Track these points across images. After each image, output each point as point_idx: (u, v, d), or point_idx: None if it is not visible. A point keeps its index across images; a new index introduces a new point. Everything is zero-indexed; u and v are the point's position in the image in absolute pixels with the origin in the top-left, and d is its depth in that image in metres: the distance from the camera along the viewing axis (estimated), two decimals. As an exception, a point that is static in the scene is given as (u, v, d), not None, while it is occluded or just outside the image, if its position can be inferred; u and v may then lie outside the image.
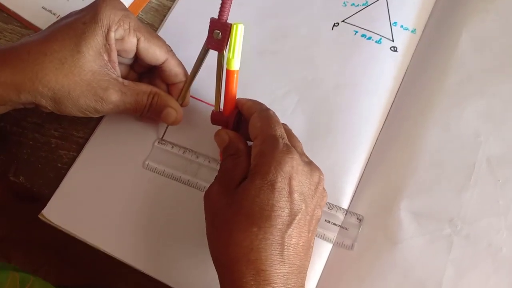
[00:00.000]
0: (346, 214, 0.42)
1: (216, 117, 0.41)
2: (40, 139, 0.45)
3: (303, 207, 0.34)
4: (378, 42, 0.47)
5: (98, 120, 0.45)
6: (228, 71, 0.37)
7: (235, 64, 0.36)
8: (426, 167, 0.42)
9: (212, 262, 0.36)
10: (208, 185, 0.42)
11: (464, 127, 0.43)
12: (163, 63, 0.41)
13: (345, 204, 0.42)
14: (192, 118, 0.45)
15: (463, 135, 0.42)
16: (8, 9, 0.48)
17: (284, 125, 0.39)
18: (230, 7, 0.34)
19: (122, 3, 0.39)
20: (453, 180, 0.41)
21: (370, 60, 0.46)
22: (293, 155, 0.34)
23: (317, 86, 0.46)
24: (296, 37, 0.48)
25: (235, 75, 0.37)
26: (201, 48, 0.48)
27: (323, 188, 0.37)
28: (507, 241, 0.39)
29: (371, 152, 0.44)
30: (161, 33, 0.49)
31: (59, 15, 0.48)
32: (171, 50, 0.41)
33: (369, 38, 0.47)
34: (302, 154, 0.37)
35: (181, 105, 0.43)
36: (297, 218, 0.33)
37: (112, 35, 0.37)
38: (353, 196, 0.43)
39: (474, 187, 0.41)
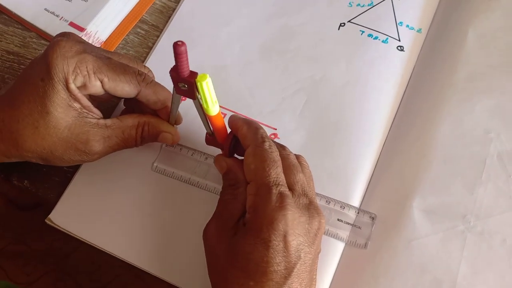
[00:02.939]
0: (358, 213, 0.41)
1: (211, 141, 0.40)
2: (44, 142, 0.44)
3: (302, 256, 0.33)
4: (385, 41, 0.47)
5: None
6: (209, 116, 0.35)
7: (213, 111, 0.34)
8: (438, 163, 0.42)
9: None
10: (217, 187, 0.42)
11: (474, 123, 0.43)
12: (137, 95, 0.38)
13: (356, 203, 0.42)
14: (199, 119, 0.44)
15: (473, 131, 0.43)
16: (9, 11, 0.48)
17: (282, 149, 0.37)
18: (187, 62, 0.31)
19: (75, 43, 0.35)
20: (465, 176, 0.41)
21: (377, 59, 0.47)
22: (286, 211, 0.32)
23: (325, 86, 0.46)
24: (302, 37, 0.48)
25: (218, 116, 0.36)
26: (207, 48, 0.48)
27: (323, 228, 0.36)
28: (521, 236, 0.39)
29: (382, 150, 0.44)
30: (165, 34, 0.49)
31: (62, 17, 0.47)
32: (144, 80, 0.37)
33: (376, 37, 0.47)
34: (301, 195, 0.34)
35: (175, 124, 0.41)
36: (296, 269, 0.32)
37: (72, 86, 0.34)
38: (365, 194, 0.42)
39: (486, 183, 0.41)
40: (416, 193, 0.41)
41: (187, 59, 0.31)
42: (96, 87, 0.35)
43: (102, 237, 0.40)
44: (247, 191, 0.35)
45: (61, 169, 0.43)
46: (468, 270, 0.39)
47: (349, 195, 0.42)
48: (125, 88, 0.36)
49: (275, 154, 0.35)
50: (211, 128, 0.38)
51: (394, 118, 0.45)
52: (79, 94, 0.35)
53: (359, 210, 0.41)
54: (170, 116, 0.40)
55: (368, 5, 0.49)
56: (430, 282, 0.39)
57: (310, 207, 0.34)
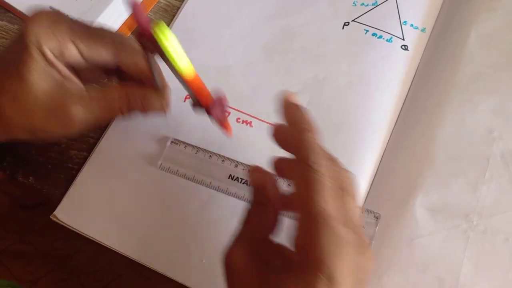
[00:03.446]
0: (362, 212, 0.41)
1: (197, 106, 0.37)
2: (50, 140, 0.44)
3: None
4: (389, 41, 0.47)
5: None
6: (182, 75, 0.33)
7: (187, 72, 0.32)
8: (441, 162, 0.42)
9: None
10: (221, 185, 0.42)
11: (477, 123, 0.43)
12: (118, 63, 0.36)
13: (360, 202, 0.42)
14: (204, 117, 0.45)
15: (476, 131, 0.43)
16: (15, 9, 0.48)
17: (337, 166, 0.30)
18: (144, 15, 0.29)
19: (51, 12, 0.34)
20: (468, 176, 0.41)
21: (381, 58, 0.47)
22: (338, 255, 0.26)
23: (328, 85, 0.46)
24: (305, 37, 0.48)
25: (196, 79, 0.34)
26: (210, 49, 0.48)
27: None
28: (524, 235, 0.40)
29: (385, 149, 0.44)
30: (170, 33, 0.49)
31: (67, 15, 0.47)
32: (123, 46, 0.36)
33: (380, 37, 0.47)
34: (352, 232, 0.28)
35: (162, 90, 0.39)
36: None
37: (47, 52, 0.33)
38: (368, 194, 0.43)
39: (489, 182, 0.41)
40: (419, 191, 0.41)
41: (143, 13, 0.29)
42: (72, 53, 0.34)
43: (106, 234, 0.41)
44: (297, 220, 0.29)
45: (66, 166, 0.43)
46: (471, 269, 0.39)
47: (352, 193, 0.42)
48: (102, 54, 0.35)
49: (327, 177, 0.29)
50: (192, 93, 0.36)
51: (397, 118, 0.45)
52: (56, 61, 0.34)
53: (363, 210, 0.42)
54: (154, 82, 0.37)
55: (372, 4, 0.49)
56: (433, 281, 0.39)
57: (360, 245, 0.28)
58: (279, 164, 0.34)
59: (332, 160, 0.31)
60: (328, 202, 0.28)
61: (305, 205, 0.28)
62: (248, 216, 0.33)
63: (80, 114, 0.35)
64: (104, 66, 0.37)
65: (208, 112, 0.38)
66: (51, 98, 0.34)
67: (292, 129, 0.31)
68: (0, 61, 0.35)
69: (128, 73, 0.38)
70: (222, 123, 0.39)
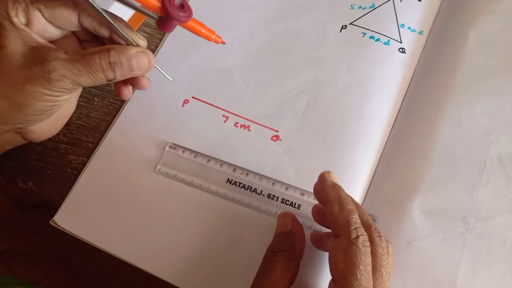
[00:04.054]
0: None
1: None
2: (49, 145, 0.44)
3: None
4: (387, 43, 0.47)
5: (108, 125, 0.45)
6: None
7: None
8: (439, 165, 0.42)
9: (225, 269, 0.35)
10: (219, 189, 0.42)
11: (474, 125, 0.43)
12: (80, 21, 0.35)
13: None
14: (202, 122, 0.45)
15: (473, 133, 0.43)
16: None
17: (378, 239, 0.34)
18: None
19: None
20: (465, 178, 0.42)
21: (379, 61, 0.47)
22: None
23: (327, 87, 0.46)
24: (304, 39, 0.48)
25: None
26: (210, 52, 0.49)
27: None
28: (520, 237, 0.40)
29: (383, 151, 0.44)
30: (170, 37, 0.49)
31: None
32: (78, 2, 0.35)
33: (378, 39, 0.48)
34: None
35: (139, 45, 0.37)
36: None
37: (15, 20, 0.33)
38: (366, 195, 0.43)
39: (486, 185, 0.41)
40: (417, 194, 0.41)
41: None
42: (38, 19, 0.34)
43: (106, 239, 0.41)
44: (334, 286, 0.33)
45: (66, 171, 0.43)
46: (468, 271, 0.39)
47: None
48: (63, 13, 0.34)
49: (368, 256, 0.32)
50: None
51: (395, 120, 0.45)
52: (26, 29, 0.34)
53: (360, 212, 0.42)
54: (125, 38, 0.36)
55: (370, 7, 0.49)
56: (430, 283, 0.39)
57: None
58: (319, 212, 0.38)
59: (377, 230, 0.34)
60: (368, 281, 0.31)
61: (346, 281, 0.31)
62: (267, 261, 0.35)
63: (58, 69, 0.33)
64: (68, 27, 0.36)
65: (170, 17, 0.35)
66: (29, 57, 0.33)
67: (337, 209, 0.34)
68: None
69: (95, 35, 0.36)
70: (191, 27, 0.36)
